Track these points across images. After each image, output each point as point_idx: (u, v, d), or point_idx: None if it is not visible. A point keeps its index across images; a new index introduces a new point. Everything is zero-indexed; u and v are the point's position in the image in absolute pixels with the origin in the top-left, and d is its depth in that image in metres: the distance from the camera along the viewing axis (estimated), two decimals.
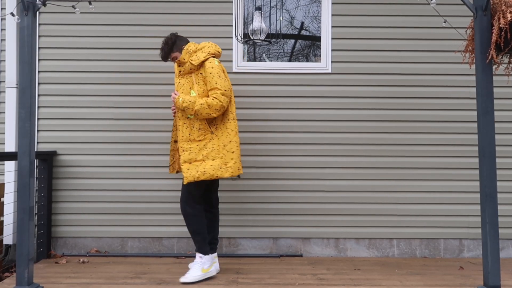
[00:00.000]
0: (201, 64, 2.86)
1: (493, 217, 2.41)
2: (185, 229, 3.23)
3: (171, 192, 3.51)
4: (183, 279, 2.78)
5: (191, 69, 2.88)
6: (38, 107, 3.53)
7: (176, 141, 3.02)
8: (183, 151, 2.82)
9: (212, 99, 2.77)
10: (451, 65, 3.55)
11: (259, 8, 3.09)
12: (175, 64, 2.94)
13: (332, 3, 3.56)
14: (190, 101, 2.78)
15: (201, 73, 2.86)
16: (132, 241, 3.55)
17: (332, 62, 3.57)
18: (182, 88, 2.89)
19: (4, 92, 3.54)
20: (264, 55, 3.74)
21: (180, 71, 2.91)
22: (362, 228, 3.54)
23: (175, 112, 2.95)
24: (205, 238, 2.88)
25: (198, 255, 2.86)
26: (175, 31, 3.49)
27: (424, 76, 3.57)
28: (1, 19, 3.56)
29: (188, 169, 2.77)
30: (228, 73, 3.53)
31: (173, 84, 3.46)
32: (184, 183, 2.77)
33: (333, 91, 3.57)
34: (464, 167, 3.55)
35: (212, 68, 2.83)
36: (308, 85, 3.56)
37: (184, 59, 2.88)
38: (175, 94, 2.86)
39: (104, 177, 3.54)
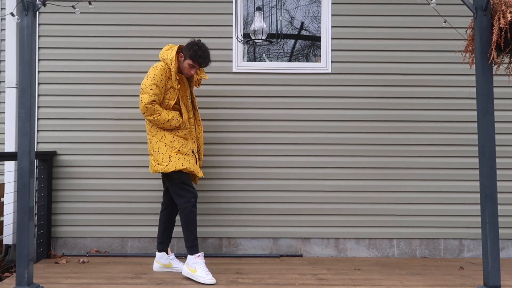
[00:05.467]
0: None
1: (493, 217, 2.40)
2: None
3: None
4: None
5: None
6: (38, 107, 3.53)
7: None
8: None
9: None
10: (451, 65, 3.55)
11: (259, 8, 3.09)
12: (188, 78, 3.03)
13: (332, 3, 3.56)
14: None
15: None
16: (132, 241, 3.55)
17: (332, 62, 3.57)
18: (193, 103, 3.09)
19: (4, 92, 3.54)
20: (264, 55, 3.74)
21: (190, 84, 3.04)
22: (362, 228, 3.54)
23: None
24: None
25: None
26: (175, 31, 3.52)
27: (424, 76, 3.57)
28: (1, 19, 3.56)
29: None
30: (228, 73, 3.55)
31: None
32: None
33: (333, 91, 3.57)
34: (464, 167, 3.55)
35: None
36: (308, 85, 3.56)
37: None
38: None
39: (104, 177, 3.53)
